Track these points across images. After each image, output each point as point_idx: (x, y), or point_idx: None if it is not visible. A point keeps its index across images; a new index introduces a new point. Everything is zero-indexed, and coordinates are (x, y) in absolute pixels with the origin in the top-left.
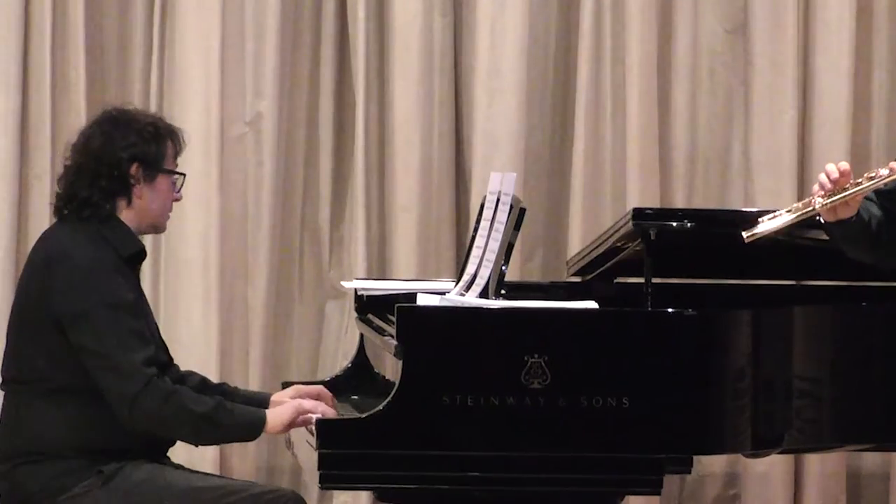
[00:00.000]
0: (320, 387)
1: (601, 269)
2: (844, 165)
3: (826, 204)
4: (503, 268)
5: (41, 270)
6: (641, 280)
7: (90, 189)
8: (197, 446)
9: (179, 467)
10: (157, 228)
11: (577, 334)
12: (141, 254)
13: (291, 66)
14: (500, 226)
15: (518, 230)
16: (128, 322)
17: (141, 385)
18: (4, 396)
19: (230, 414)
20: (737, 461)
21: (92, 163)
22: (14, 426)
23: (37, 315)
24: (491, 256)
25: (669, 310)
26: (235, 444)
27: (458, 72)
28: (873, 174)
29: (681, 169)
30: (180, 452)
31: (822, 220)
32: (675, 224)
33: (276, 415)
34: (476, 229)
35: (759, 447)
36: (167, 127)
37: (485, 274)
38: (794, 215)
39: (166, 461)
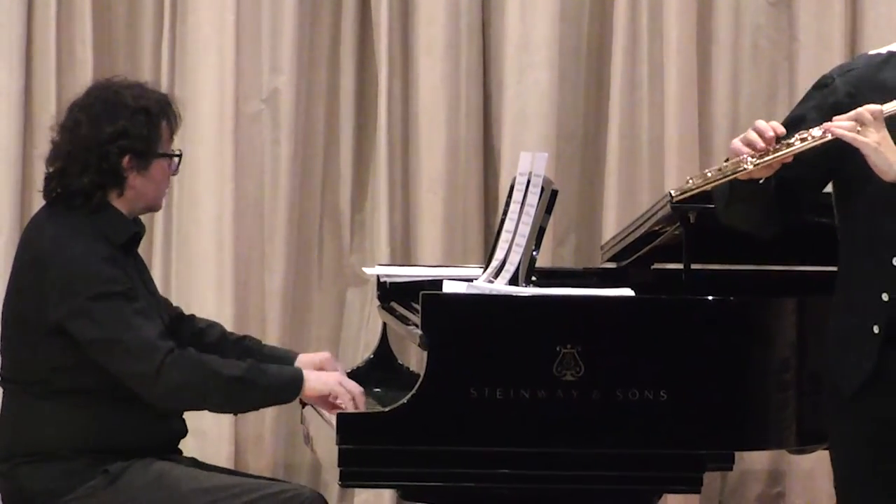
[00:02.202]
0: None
1: (637, 254)
2: (779, 128)
3: (759, 164)
4: (534, 253)
5: (33, 271)
6: (680, 266)
7: (80, 179)
8: (235, 415)
9: (192, 463)
10: (153, 209)
11: (612, 323)
12: (136, 237)
13: (310, 40)
14: (530, 209)
15: (550, 213)
16: (127, 306)
17: (160, 358)
18: (4, 394)
19: (264, 374)
20: (781, 457)
21: (81, 153)
22: (15, 425)
23: (36, 321)
24: (521, 241)
25: (709, 297)
26: (250, 441)
27: (486, 45)
28: (805, 135)
29: (721, 149)
30: (193, 448)
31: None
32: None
33: (316, 376)
34: (505, 212)
35: (805, 443)
36: (159, 106)
37: (514, 260)
38: (724, 174)
39: (178, 458)
